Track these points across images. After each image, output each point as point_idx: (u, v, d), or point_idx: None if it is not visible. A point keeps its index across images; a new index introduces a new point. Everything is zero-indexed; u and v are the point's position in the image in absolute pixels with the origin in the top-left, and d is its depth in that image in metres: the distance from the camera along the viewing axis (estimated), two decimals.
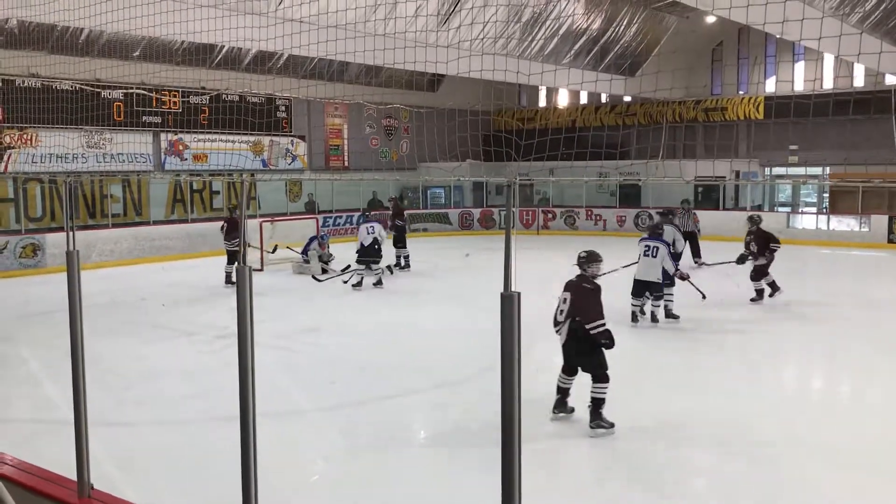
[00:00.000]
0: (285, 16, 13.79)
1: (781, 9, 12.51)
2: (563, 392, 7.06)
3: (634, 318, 10.93)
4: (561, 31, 21.29)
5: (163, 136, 21.52)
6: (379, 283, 14.60)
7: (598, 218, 25.15)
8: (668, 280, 11.06)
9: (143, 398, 7.95)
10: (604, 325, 6.60)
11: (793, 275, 14.64)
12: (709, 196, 25.38)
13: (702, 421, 7.00)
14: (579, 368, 6.88)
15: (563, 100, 30.48)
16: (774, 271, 12.86)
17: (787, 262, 14.91)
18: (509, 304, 2.22)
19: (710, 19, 24.12)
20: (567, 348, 6.88)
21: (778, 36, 24.12)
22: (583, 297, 6.72)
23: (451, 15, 17.66)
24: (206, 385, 8.31)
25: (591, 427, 6.64)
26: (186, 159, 22.03)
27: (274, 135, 24.01)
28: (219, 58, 21.40)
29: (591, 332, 6.58)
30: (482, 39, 18.14)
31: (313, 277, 15.69)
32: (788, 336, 10.81)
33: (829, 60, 24.54)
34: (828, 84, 24.59)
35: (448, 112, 23.10)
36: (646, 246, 10.84)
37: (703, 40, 26.40)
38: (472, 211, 26.38)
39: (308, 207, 21.59)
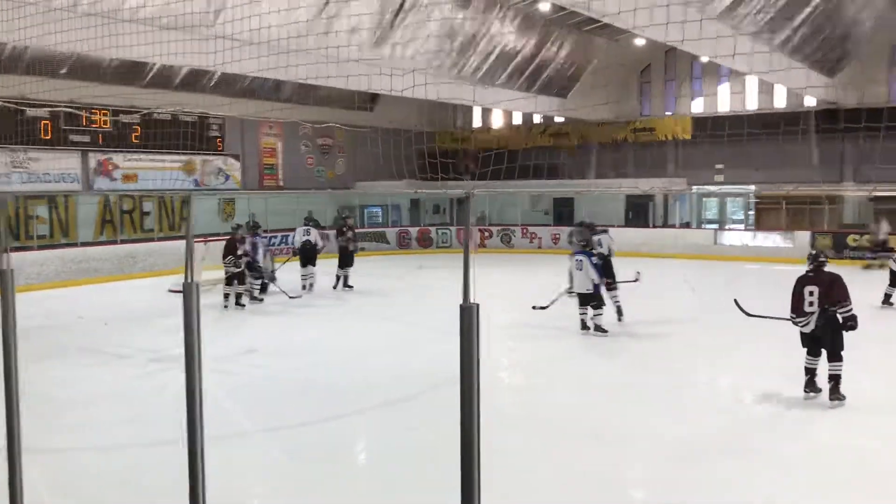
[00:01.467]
0: (219, 33, 13.64)
1: (708, 31, 13.00)
2: (811, 373, 8.00)
3: (582, 326, 11.58)
4: (495, 53, 21.58)
5: (91, 155, 20.97)
6: (239, 300, 14.48)
7: (533, 236, 25.47)
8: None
9: (77, 424, 7.69)
10: (852, 308, 7.70)
11: (722, 289, 15.09)
12: (639, 214, 25.98)
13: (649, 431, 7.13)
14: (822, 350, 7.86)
15: (497, 120, 30.87)
16: (708, 286, 13.16)
17: (714, 278, 15.36)
18: (468, 316, 2.24)
19: (639, 42, 24.78)
20: (819, 332, 7.80)
21: (705, 60, 25.02)
22: (832, 288, 7.75)
23: (387, 34, 17.73)
24: (142, 409, 8.09)
25: (831, 400, 7.68)
26: (116, 179, 21.52)
27: (207, 154, 23.64)
28: (150, 76, 21.00)
29: (843, 315, 7.67)
30: (417, 58, 18.26)
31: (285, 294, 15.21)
32: (713, 347, 11.08)
33: (752, 82, 25.49)
34: (751, 105, 25.52)
35: (384, 131, 23.16)
36: (576, 260, 11.53)
37: (631, 62, 27.10)
38: (410, 230, 26.41)
39: (252, 229, 21.27)
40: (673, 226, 25.21)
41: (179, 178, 22.78)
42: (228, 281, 14.43)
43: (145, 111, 20.64)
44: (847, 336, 7.83)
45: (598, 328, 11.50)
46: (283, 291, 14.86)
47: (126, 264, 19.24)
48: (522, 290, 15.18)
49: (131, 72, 19.92)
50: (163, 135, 20.78)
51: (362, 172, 29.23)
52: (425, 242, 26.06)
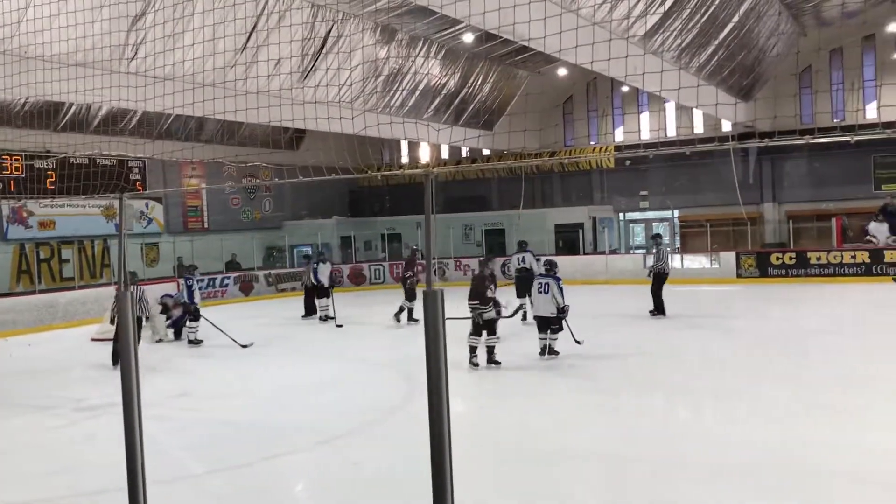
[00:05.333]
0: (138, 70, 13.28)
1: (630, 61, 13.28)
2: None
3: (542, 351, 11.39)
4: (420, 87, 21.69)
5: (4, 203, 20.10)
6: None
7: (466, 268, 25.44)
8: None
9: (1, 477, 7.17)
10: None
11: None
12: (568, 242, 26.28)
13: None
14: None
15: (424, 154, 30.98)
16: (640, 307, 13.34)
17: (648, 303, 15.61)
18: (433, 301, 2.09)
19: (561, 73, 25.34)
20: None
21: (625, 90, 25.70)
22: None
23: (310, 71, 17.61)
24: (70, 460, 7.62)
25: None
26: (32, 227, 20.66)
27: (128, 198, 22.94)
28: (65, 119, 20.33)
29: None
30: (343, 94, 18.17)
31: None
32: (658, 366, 11.17)
33: (671, 110, 26.28)
34: (671, 132, 26.26)
35: (311, 169, 22.88)
36: (538, 283, 11.49)
37: (554, 94, 27.65)
38: (342, 267, 26.06)
39: (179, 272, 20.76)
40: (602, 252, 25.55)
41: (100, 221, 22.01)
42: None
43: (62, 155, 19.96)
44: None
45: (552, 350, 11.40)
46: (234, 340, 14.23)
47: (46, 315, 18.36)
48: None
49: (45, 115, 19.26)
50: (81, 178, 20.09)
51: (290, 212, 28.89)
52: (358, 280, 25.75)
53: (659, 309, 15.44)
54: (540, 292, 11.40)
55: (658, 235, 17.24)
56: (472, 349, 11.05)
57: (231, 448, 7.83)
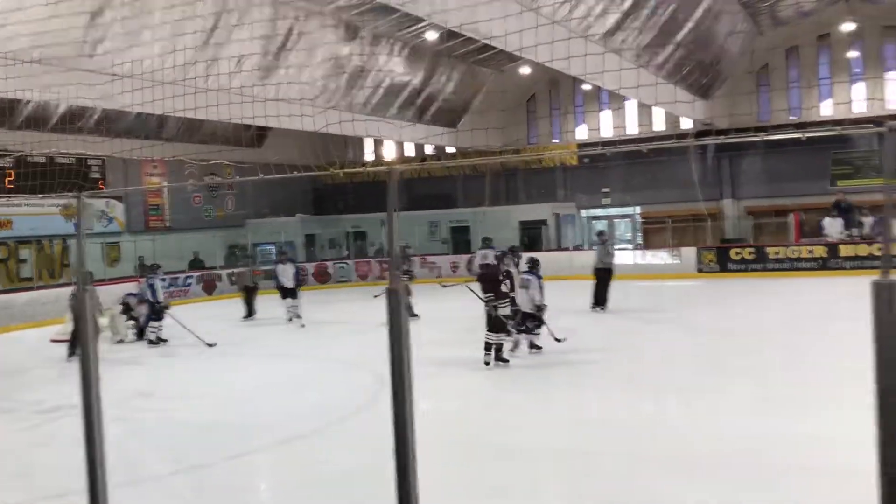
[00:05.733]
0: (97, 67, 13.08)
1: (590, 59, 13.43)
2: None
3: (528, 345, 11.53)
4: (384, 85, 21.66)
5: None
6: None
7: (432, 265, 25.49)
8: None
9: None
10: None
11: (618, 302, 15.64)
12: (533, 238, 26.46)
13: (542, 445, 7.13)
14: None
15: (389, 152, 30.94)
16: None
17: (612, 293, 15.83)
18: (396, 297, 2.13)
19: (524, 71, 25.46)
20: None
21: (587, 88, 25.92)
22: None
23: (273, 68, 17.48)
24: (29, 463, 7.52)
25: None
26: None
27: (87, 196, 22.58)
28: (23, 117, 19.93)
29: None
30: (306, 92, 18.08)
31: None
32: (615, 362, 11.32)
33: (631, 108, 26.58)
34: (631, 129, 26.57)
35: (274, 167, 22.69)
36: (524, 279, 11.51)
37: (517, 92, 27.81)
38: (306, 266, 25.91)
39: (141, 271, 20.53)
40: (566, 248, 25.76)
41: (59, 221, 21.63)
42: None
43: (18, 154, 19.58)
44: None
45: (534, 345, 11.56)
46: (200, 338, 14.09)
47: (3, 316, 18.01)
48: (439, 318, 15.10)
49: (1, 112, 18.85)
50: (39, 177, 19.69)
51: (253, 210, 28.66)
52: (323, 278, 25.65)
53: (599, 302, 15.77)
54: (521, 288, 11.41)
55: (602, 232, 17.55)
56: (490, 346, 10.72)
57: (195, 448, 7.77)
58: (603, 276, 16.01)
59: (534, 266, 11.81)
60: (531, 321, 11.42)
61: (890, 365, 2.61)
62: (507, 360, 10.86)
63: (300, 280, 17.22)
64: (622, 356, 11.70)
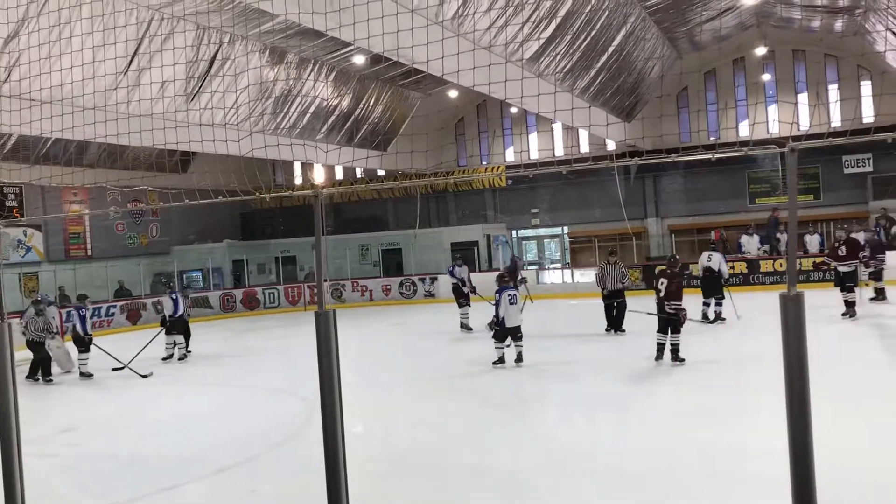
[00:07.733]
0: (12, 92, 12.71)
1: (514, 84, 13.68)
2: None
3: (517, 359, 12.06)
4: (312, 108, 21.60)
5: None
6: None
7: (364, 289, 25.39)
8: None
9: None
10: None
11: (546, 324, 15.83)
12: (464, 260, 26.57)
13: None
14: None
15: (318, 176, 30.79)
16: (534, 321, 13.59)
17: (538, 312, 16.04)
18: (325, 321, 2.15)
19: (452, 94, 25.74)
20: None
21: (514, 111, 26.34)
22: None
23: (197, 93, 17.27)
24: None
25: None
26: None
27: (3, 225, 21.80)
28: None
29: None
30: (231, 117, 17.90)
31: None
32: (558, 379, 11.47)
33: (558, 130, 27.13)
34: (559, 151, 27.11)
35: (199, 193, 22.31)
36: (509, 295, 12.13)
37: (446, 116, 28.09)
38: (234, 292, 25.49)
39: (62, 301, 19.92)
40: (497, 269, 25.96)
41: None
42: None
43: None
44: None
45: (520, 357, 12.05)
46: (135, 371, 13.65)
47: None
48: (376, 344, 15.04)
49: None
50: None
51: (179, 236, 28.10)
52: (252, 304, 25.26)
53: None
54: (511, 304, 12.02)
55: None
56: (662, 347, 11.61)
57: (121, 482, 7.54)
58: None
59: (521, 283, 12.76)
60: (519, 333, 12.08)
61: (796, 371, 2.75)
62: (683, 360, 11.42)
63: (184, 312, 15.71)
64: (551, 371, 11.87)
